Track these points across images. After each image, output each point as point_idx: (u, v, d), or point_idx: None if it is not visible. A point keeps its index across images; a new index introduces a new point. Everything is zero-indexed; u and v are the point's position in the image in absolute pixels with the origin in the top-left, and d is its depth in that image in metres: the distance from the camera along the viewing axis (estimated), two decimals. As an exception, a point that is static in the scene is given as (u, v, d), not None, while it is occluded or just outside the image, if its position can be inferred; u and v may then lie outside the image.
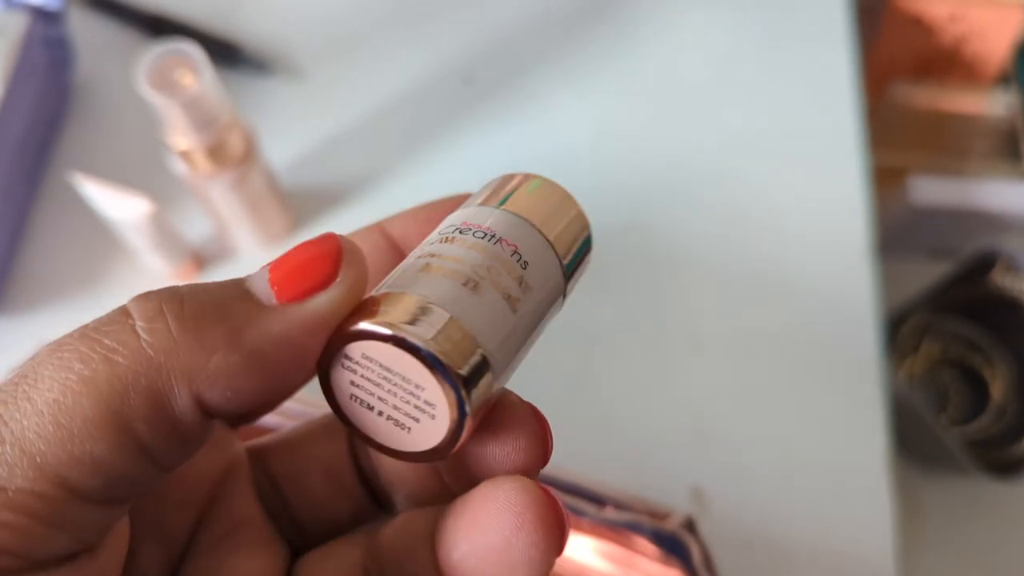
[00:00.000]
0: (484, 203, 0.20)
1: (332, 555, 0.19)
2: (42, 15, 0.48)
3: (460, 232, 0.18)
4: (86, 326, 0.16)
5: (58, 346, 0.15)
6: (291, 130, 0.55)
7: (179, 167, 0.43)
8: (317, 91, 0.57)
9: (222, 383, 0.16)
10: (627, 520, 0.33)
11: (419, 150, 0.55)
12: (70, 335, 0.16)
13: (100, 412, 0.15)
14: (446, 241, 0.18)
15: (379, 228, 0.21)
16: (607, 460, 0.47)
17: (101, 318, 0.16)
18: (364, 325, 0.16)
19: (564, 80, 0.58)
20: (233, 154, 0.42)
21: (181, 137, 0.39)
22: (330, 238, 0.17)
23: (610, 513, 0.33)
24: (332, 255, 0.17)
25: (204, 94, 0.37)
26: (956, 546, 0.76)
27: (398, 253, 0.20)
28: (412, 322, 0.16)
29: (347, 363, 0.17)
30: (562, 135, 0.56)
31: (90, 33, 0.56)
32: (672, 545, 0.32)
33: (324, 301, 0.16)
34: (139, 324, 0.15)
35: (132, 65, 0.38)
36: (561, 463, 0.36)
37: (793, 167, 0.56)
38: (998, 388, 0.78)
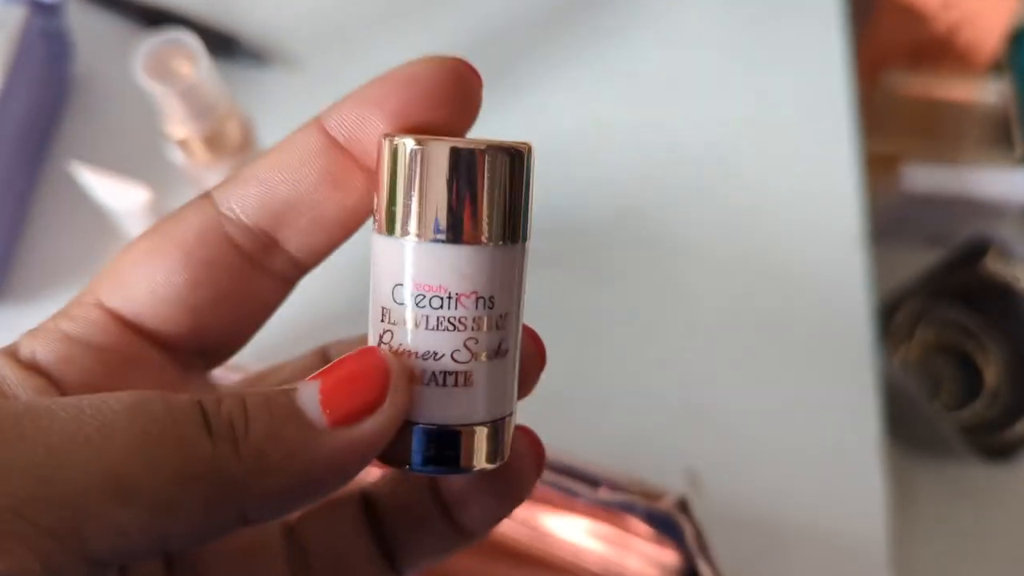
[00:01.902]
0: (418, 230, 0.18)
1: None
2: (40, 8, 0.49)
3: (419, 307, 0.18)
4: (167, 402, 0.16)
5: (138, 408, 0.16)
6: (289, 121, 0.55)
7: (177, 157, 0.43)
8: (314, 81, 0.57)
9: (269, 501, 0.16)
10: (621, 501, 0.33)
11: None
12: (153, 400, 0.16)
13: (147, 494, 0.15)
14: (418, 326, 0.18)
15: (318, 125, 0.20)
16: (602, 442, 0.48)
17: (175, 403, 0.16)
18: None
19: (558, 69, 0.58)
20: (231, 143, 0.43)
21: (179, 126, 0.40)
22: (374, 357, 0.17)
23: (604, 494, 0.33)
24: (380, 377, 0.17)
25: (201, 83, 0.38)
26: (949, 530, 0.77)
27: (340, 152, 0.20)
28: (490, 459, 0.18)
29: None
30: (556, 124, 0.57)
31: (88, 25, 0.57)
32: (666, 525, 0.33)
33: (374, 426, 0.17)
34: (212, 430, 0.16)
35: (130, 56, 0.38)
36: (557, 445, 0.37)
37: (787, 154, 0.56)
38: (991, 374, 0.79)
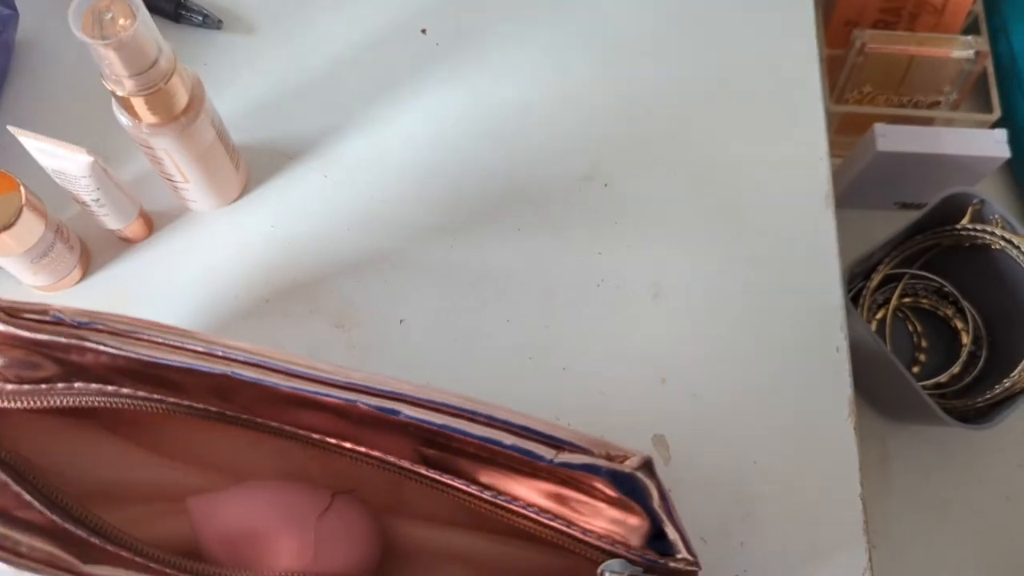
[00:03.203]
0: None
1: None
2: (-23, -34, 0.47)
3: None
4: None
5: None
6: (243, 84, 0.54)
7: (123, 119, 0.42)
8: (269, 44, 0.55)
9: None
10: (585, 463, 0.32)
11: (376, 102, 0.54)
12: None
13: None
14: None
15: None
16: (570, 409, 0.47)
17: None
18: None
19: (523, 31, 0.57)
20: (177, 104, 0.41)
21: (119, 84, 0.38)
22: None
23: (567, 456, 0.32)
24: None
25: (138, 37, 0.36)
26: (926, 494, 0.77)
27: None
28: None
29: None
30: (521, 86, 0.55)
31: (32, -13, 0.55)
32: (630, 487, 0.32)
33: None
34: None
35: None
36: (522, 411, 0.36)
37: (754, 117, 0.55)
38: (968, 336, 0.79)
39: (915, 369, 0.80)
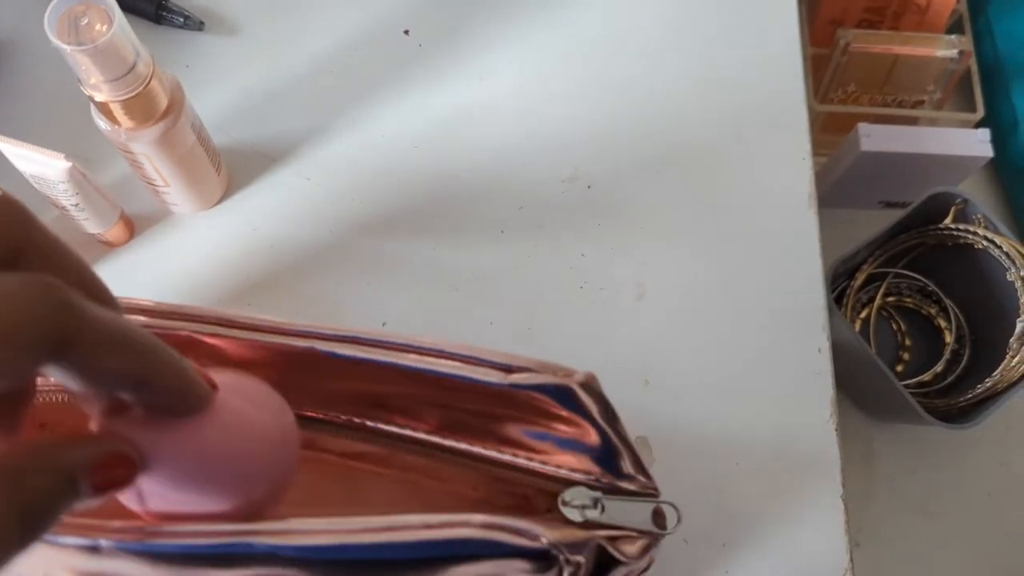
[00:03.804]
0: None
1: None
2: (-46, -32, 0.46)
3: None
4: None
5: None
6: (225, 86, 0.54)
7: (102, 123, 0.41)
8: (251, 46, 0.55)
9: None
10: (534, 383, 0.32)
11: (358, 104, 0.54)
12: None
13: None
14: None
15: None
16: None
17: None
18: None
19: (506, 32, 0.57)
20: (156, 108, 0.41)
21: (97, 89, 0.38)
22: None
23: (516, 377, 0.32)
24: None
25: (115, 42, 0.36)
26: (908, 492, 0.77)
27: None
28: None
29: None
30: (504, 87, 0.55)
31: (11, -11, 0.54)
32: (575, 403, 0.32)
33: None
34: None
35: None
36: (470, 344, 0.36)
37: (737, 117, 0.55)
38: (951, 335, 0.79)
39: (899, 368, 0.80)
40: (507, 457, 0.33)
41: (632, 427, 0.47)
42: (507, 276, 0.50)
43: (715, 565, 0.46)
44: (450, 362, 0.32)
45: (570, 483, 0.32)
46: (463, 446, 0.34)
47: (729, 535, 0.46)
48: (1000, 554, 0.76)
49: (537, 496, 0.34)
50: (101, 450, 0.22)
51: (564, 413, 0.32)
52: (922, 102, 0.84)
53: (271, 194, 0.51)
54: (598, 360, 0.49)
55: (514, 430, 0.33)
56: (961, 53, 0.79)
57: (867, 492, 0.76)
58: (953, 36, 0.80)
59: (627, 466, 0.33)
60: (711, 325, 0.50)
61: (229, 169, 0.51)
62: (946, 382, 0.77)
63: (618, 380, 0.48)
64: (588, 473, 0.32)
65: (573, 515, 0.31)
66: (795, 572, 0.46)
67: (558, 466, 0.32)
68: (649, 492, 0.33)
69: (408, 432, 0.34)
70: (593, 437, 0.32)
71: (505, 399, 0.32)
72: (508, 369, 0.32)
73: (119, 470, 0.23)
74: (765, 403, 0.49)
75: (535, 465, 0.33)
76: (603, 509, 0.31)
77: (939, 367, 0.78)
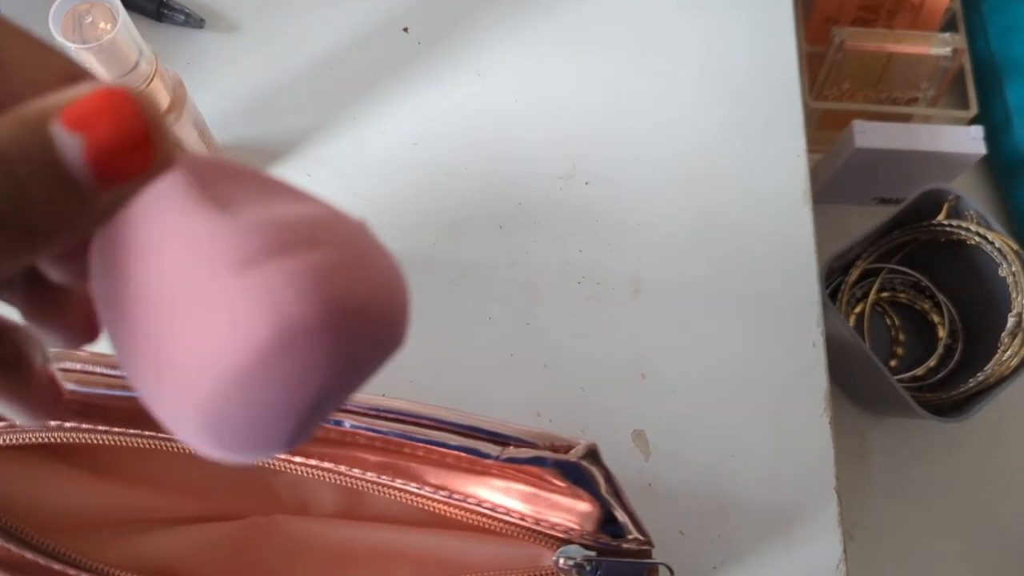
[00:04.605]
0: None
1: None
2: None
3: None
4: None
5: None
6: (225, 84, 0.54)
7: (103, 120, 0.42)
8: (251, 43, 0.55)
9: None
10: (531, 456, 0.33)
11: (359, 102, 0.54)
12: None
13: None
14: None
15: None
16: (550, 406, 0.47)
17: None
18: None
19: (505, 30, 0.57)
20: (159, 106, 0.41)
21: (100, 87, 0.38)
22: (135, 106, 0.15)
23: (512, 452, 0.33)
24: (146, 131, 0.15)
25: (119, 40, 0.36)
26: (902, 487, 0.78)
27: None
28: None
29: None
30: (502, 84, 0.55)
31: (12, -14, 0.55)
32: (576, 475, 0.33)
33: (136, 186, 0.15)
34: None
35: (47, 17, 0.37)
36: (503, 411, 0.36)
37: (733, 114, 0.56)
38: (944, 330, 0.80)
39: (892, 363, 0.81)
40: (501, 514, 0.33)
41: (630, 421, 0.48)
42: (505, 272, 0.51)
43: (710, 557, 0.46)
44: (445, 434, 0.33)
45: (566, 541, 0.33)
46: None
47: (724, 527, 0.47)
48: (992, 546, 0.77)
49: (536, 552, 0.34)
50: (80, 89, 0.15)
51: (563, 484, 0.32)
52: (916, 99, 0.85)
53: (271, 190, 0.52)
54: (595, 355, 0.49)
55: (510, 492, 0.34)
56: (955, 51, 0.80)
57: (860, 485, 0.77)
58: (947, 34, 0.81)
59: (624, 527, 0.33)
60: (707, 320, 0.51)
61: (230, 165, 0.52)
62: (939, 376, 0.78)
63: (615, 374, 0.49)
64: (583, 533, 0.32)
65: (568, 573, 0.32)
66: (790, 564, 0.47)
67: (553, 524, 0.33)
68: (644, 551, 0.34)
69: (414, 489, 0.34)
70: (593, 504, 0.32)
71: (501, 468, 0.33)
72: (503, 442, 0.33)
73: (119, 126, 0.15)
74: (760, 397, 0.49)
75: (529, 523, 0.33)
76: (598, 568, 0.32)
77: (932, 362, 0.78)
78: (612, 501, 0.32)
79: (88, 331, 0.19)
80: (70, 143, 0.14)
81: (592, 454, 0.34)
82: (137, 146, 0.15)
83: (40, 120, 0.14)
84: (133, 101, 0.15)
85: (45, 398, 0.19)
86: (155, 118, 0.15)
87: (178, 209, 0.15)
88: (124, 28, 0.36)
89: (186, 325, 0.15)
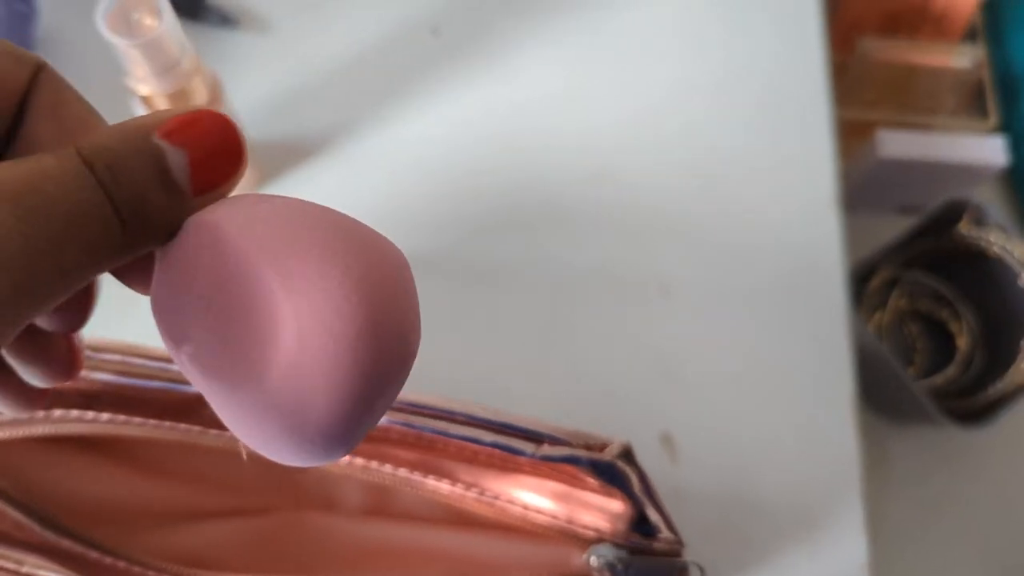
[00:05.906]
0: None
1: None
2: (-1, -37, 0.47)
3: None
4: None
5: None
6: (258, 83, 0.55)
7: (143, 116, 0.42)
8: (283, 43, 0.56)
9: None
10: (565, 455, 0.33)
11: (388, 102, 0.55)
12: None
13: None
14: None
15: None
16: (577, 408, 0.47)
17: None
18: None
19: (533, 32, 0.58)
20: (197, 102, 0.42)
21: (142, 82, 0.39)
22: (229, 124, 0.18)
23: (547, 449, 0.33)
24: (238, 148, 0.18)
25: (164, 36, 0.37)
26: (923, 494, 0.78)
27: None
28: None
29: None
30: (533, 87, 0.56)
31: (50, -15, 0.55)
32: (611, 475, 0.33)
33: (224, 192, 0.18)
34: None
35: (95, 13, 0.37)
36: (531, 409, 0.36)
37: (761, 119, 0.56)
38: (964, 340, 0.80)
39: (910, 371, 0.81)
40: (534, 513, 0.33)
41: (657, 424, 0.48)
42: (531, 272, 0.51)
43: (736, 559, 0.46)
44: (479, 431, 0.33)
45: (598, 540, 0.32)
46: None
47: (750, 530, 0.47)
48: (1013, 554, 0.77)
49: (567, 551, 0.33)
50: (170, 111, 0.18)
51: (596, 482, 0.32)
52: (938, 110, 0.85)
53: (302, 189, 0.52)
54: (622, 356, 0.49)
55: (543, 490, 0.33)
56: (976, 63, 0.80)
57: (882, 493, 0.77)
58: (968, 46, 0.81)
59: (656, 527, 0.33)
60: (734, 323, 0.51)
61: (261, 164, 0.52)
62: (958, 385, 0.78)
63: (642, 375, 0.49)
64: (615, 532, 0.32)
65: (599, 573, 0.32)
66: (815, 566, 0.47)
67: (586, 524, 0.32)
68: (674, 550, 0.33)
69: (446, 486, 0.34)
70: (626, 503, 0.32)
71: (534, 466, 0.33)
72: (537, 439, 0.33)
73: (212, 135, 0.18)
74: (787, 402, 0.49)
75: (561, 522, 0.33)
76: (629, 567, 0.32)
77: (951, 371, 0.79)
78: (645, 500, 0.32)
79: (69, 368, 0.21)
80: (175, 153, 0.17)
81: (627, 454, 0.34)
82: (231, 158, 0.18)
83: (144, 134, 0.17)
84: (228, 120, 0.18)
85: (61, 360, 0.21)
86: (242, 135, 0.18)
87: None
88: (169, 25, 0.37)
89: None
